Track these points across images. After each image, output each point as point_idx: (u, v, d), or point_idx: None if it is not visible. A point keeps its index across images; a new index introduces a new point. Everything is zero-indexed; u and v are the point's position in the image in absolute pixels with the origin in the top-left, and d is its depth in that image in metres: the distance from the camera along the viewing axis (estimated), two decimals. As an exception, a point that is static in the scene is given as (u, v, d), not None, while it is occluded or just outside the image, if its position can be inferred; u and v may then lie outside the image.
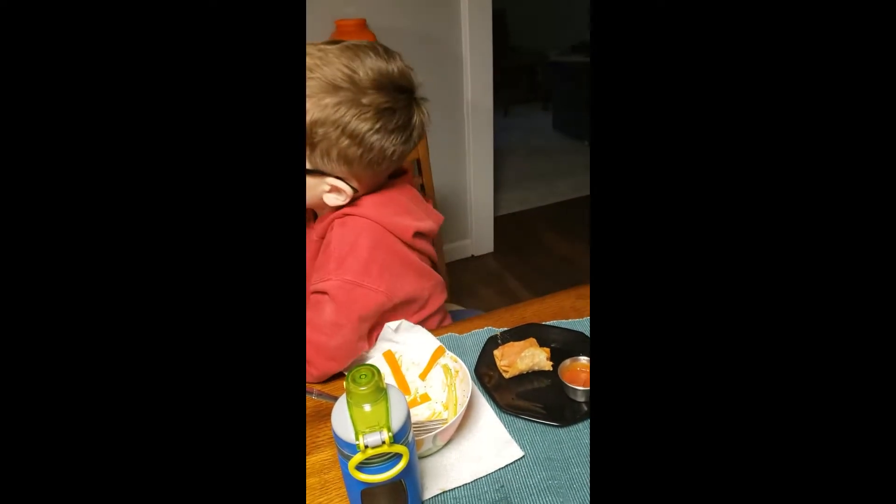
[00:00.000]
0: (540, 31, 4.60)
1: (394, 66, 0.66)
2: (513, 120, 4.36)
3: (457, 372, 0.65)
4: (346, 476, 0.47)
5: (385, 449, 0.44)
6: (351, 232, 0.70)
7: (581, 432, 0.62)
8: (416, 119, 0.70)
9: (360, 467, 0.45)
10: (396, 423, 0.45)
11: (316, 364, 0.69)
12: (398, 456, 0.45)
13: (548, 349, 0.72)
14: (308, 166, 0.68)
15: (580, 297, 0.87)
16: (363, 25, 1.88)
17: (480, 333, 0.79)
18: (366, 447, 0.43)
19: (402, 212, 0.75)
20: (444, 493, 0.55)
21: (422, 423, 0.63)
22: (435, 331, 0.79)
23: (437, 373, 0.67)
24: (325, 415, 0.65)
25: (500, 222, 2.53)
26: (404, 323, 0.71)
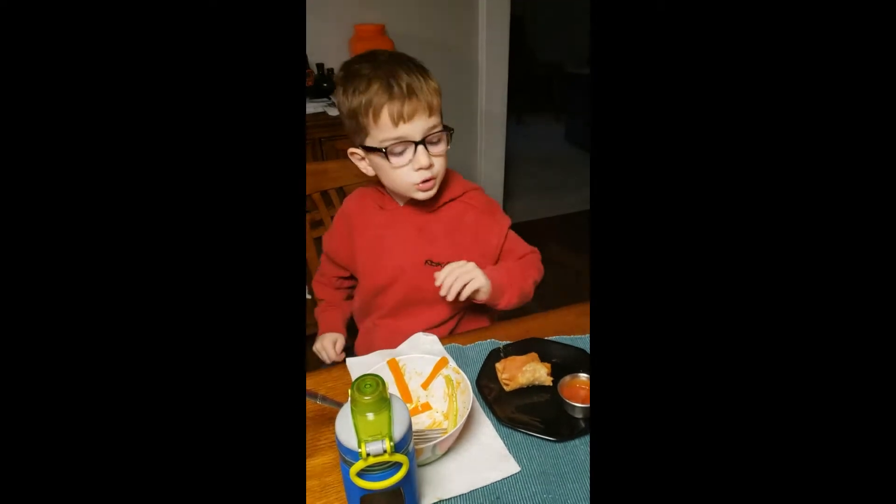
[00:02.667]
0: (557, 42, 4.61)
1: None
2: (525, 129, 4.37)
3: (458, 383, 0.66)
4: (347, 482, 0.49)
5: (386, 458, 0.45)
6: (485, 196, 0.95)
7: (578, 448, 0.63)
8: None
9: (361, 474, 0.46)
10: (398, 433, 0.46)
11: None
12: (398, 465, 0.47)
13: (549, 364, 0.73)
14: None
15: (582, 314, 0.88)
16: (382, 31, 1.91)
17: (483, 345, 0.81)
18: (368, 455, 0.45)
19: None
20: (440, 501, 0.57)
21: (422, 431, 0.65)
22: (443, 339, 0.81)
23: (439, 383, 0.69)
24: (328, 419, 0.66)
25: (507, 231, 2.54)
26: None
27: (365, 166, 0.86)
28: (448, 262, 0.86)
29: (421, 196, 0.84)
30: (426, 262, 0.89)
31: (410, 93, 0.77)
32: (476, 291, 0.80)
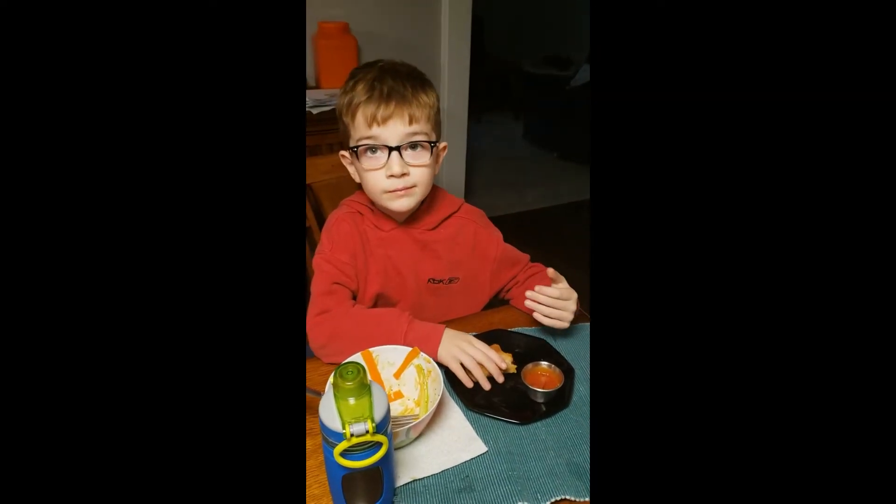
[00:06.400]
0: (515, 42, 4.69)
1: None
2: (484, 127, 4.44)
3: (429, 372, 0.70)
4: (330, 463, 0.52)
5: (368, 438, 0.49)
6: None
7: (539, 430, 0.69)
8: None
9: (344, 454, 0.50)
10: (378, 415, 0.50)
11: None
12: (378, 444, 0.51)
13: (510, 354, 0.78)
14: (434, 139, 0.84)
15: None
16: (346, 29, 1.92)
17: (451, 336, 0.85)
18: (352, 435, 0.48)
19: None
20: (414, 481, 0.61)
21: (395, 417, 0.69)
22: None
23: (410, 372, 0.73)
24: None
25: (468, 227, 2.59)
26: None
27: (353, 171, 0.87)
28: (449, 278, 0.90)
29: (394, 206, 0.83)
30: (429, 280, 0.91)
31: (390, 97, 0.78)
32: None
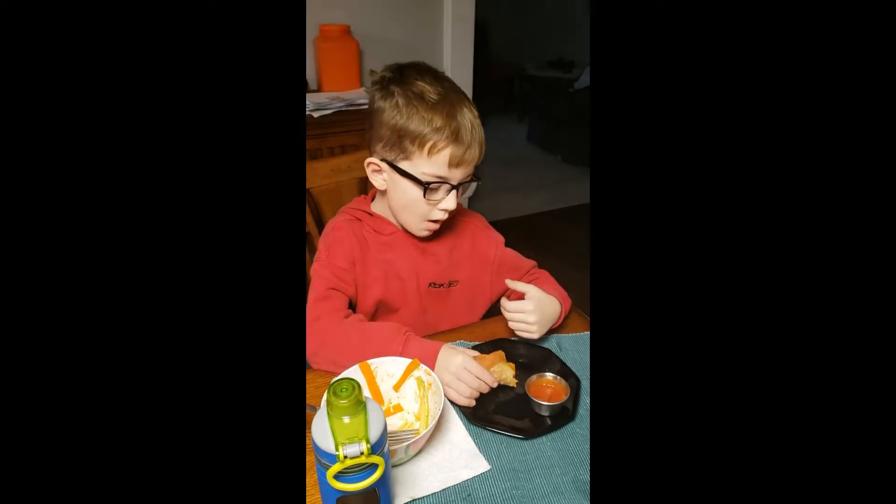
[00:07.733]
0: (519, 45, 4.68)
1: None
2: (488, 130, 4.41)
3: (430, 384, 0.68)
4: (323, 484, 0.49)
5: (363, 459, 0.47)
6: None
7: (544, 444, 0.66)
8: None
9: (338, 476, 0.47)
10: (374, 435, 0.48)
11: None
12: (374, 466, 0.48)
13: (513, 364, 0.76)
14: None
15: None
16: (347, 32, 1.90)
17: (452, 346, 0.82)
18: (345, 457, 0.46)
19: None
20: (413, 500, 0.58)
21: (394, 432, 0.66)
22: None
23: (410, 384, 0.70)
24: (300, 422, 0.67)
25: (472, 231, 2.57)
26: None
27: (380, 181, 0.83)
28: (449, 281, 0.89)
29: (423, 233, 0.84)
30: (430, 284, 0.89)
31: (473, 140, 0.78)
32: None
